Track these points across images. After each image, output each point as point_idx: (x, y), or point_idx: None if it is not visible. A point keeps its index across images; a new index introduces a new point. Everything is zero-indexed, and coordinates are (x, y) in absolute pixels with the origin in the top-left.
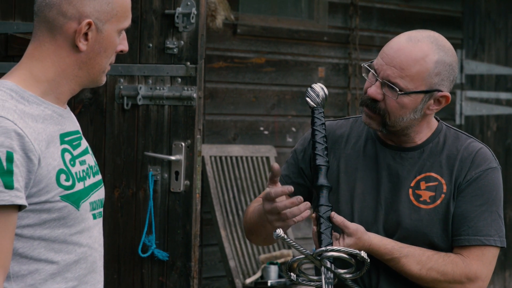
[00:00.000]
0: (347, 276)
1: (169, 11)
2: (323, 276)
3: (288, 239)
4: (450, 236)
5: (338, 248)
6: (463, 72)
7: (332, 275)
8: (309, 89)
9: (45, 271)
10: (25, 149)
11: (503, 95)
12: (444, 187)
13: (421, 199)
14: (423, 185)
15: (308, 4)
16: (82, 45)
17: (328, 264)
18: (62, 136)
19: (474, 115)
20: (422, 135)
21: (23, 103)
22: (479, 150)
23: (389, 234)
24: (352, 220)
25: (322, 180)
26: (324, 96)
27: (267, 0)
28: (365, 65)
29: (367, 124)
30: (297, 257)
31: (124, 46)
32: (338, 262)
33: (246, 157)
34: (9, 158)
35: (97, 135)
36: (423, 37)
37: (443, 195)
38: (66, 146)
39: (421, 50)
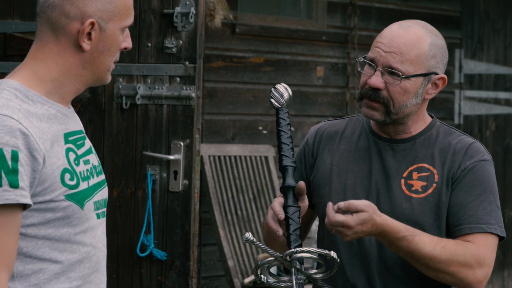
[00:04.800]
0: (318, 276)
1: (168, 11)
2: (293, 277)
3: (257, 242)
4: (442, 225)
5: (308, 249)
6: (461, 72)
7: (302, 276)
8: (272, 89)
9: (49, 270)
10: (30, 148)
11: (502, 95)
12: (436, 176)
13: (413, 188)
14: (415, 175)
15: (307, 4)
16: (86, 45)
17: (298, 265)
18: (67, 136)
19: (473, 114)
20: (417, 126)
21: (27, 102)
22: (472, 143)
23: None
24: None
25: (289, 181)
26: (288, 96)
27: (266, 0)
28: (361, 59)
29: (370, 117)
30: (267, 260)
31: (127, 43)
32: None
33: (245, 157)
34: (14, 157)
35: (96, 135)
36: (412, 23)
37: (434, 185)
38: (71, 145)
39: (415, 34)
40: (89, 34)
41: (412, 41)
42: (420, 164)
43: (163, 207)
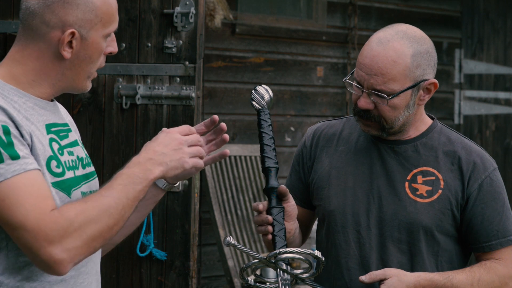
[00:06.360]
0: (304, 276)
1: (168, 11)
2: (279, 278)
3: (239, 246)
4: (444, 230)
5: (291, 250)
6: (461, 72)
7: (288, 277)
8: (253, 91)
9: None
10: (16, 124)
11: (502, 95)
12: (441, 183)
13: (418, 192)
14: (420, 179)
15: (307, 4)
16: (67, 53)
17: (284, 266)
18: (48, 126)
19: (473, 114)
20: (416, 127)
21: (3, 95)
22: (478, 152)
23: (382, 226)
24: (344, 213)
25: (272, 182)
26: (269, 97)
27: (266, 0)
28: (346, 80)
29: (367, 132)
30: (251, 262)
31: (113, 48)
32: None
33: (245, 157)
34: (6, 131)
35: (96, 135)
36: (392, 36)
37: (440, 191)
38: (53, 136)
39: (394, 50)
40: (70, 42)
41: (392, 58)
42: (425, 168)
43: (163, 207)
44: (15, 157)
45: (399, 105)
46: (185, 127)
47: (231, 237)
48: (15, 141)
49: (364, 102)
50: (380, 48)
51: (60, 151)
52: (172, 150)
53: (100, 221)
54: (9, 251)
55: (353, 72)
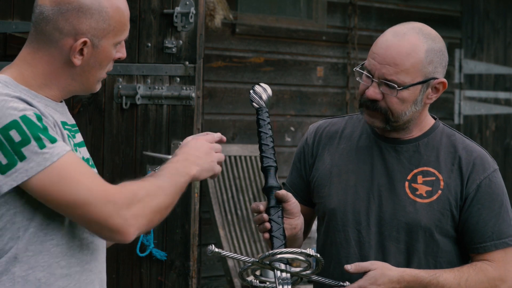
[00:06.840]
0: (306, 273)
1: (168, 11)
2: (276, 279)
3: (224, 253)
4: (443, 230)
5: (281, 250)
6: (461, 72)
7: (288, 275)
8: (251, 91)
9: (49, 253)
10: (42, 113)
11: (502, 95)
12: (441, 183)
13: (417, 192)
14: (420, 179)
15: (307, 4)
16: (77, 60)
17: (282, 266)
18: (63, 124)
19: (473, 114)
20: (419, 127)
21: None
22: (479, 153)
23: (381, 225)
24: (345, 212)
25: (271, 181)
26: (267, 96)
27: (266, 0)
28: (357, 69)
29: (371, 124)
30: (246, 266)
31: (122, 53)
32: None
33: (245, 157)
34: (39, 117)
35: (96, 135)
36: (408, 30)
37: (439, 191)
38: (68, 132)
39: (409, 43)
40: (81, 49)
41: (407, 50)
42: (425, 168)
43: None
44: (53, 140)
45: (408, 99)
46: (210, 136)
47: (213, 245)
48: (48, 126)
49: (373, 92)
50: (396, 39)
51: (75, 147)
52: (204, 153)
53: (158, 197)
54: (20, 240)
55: (363, 63)
